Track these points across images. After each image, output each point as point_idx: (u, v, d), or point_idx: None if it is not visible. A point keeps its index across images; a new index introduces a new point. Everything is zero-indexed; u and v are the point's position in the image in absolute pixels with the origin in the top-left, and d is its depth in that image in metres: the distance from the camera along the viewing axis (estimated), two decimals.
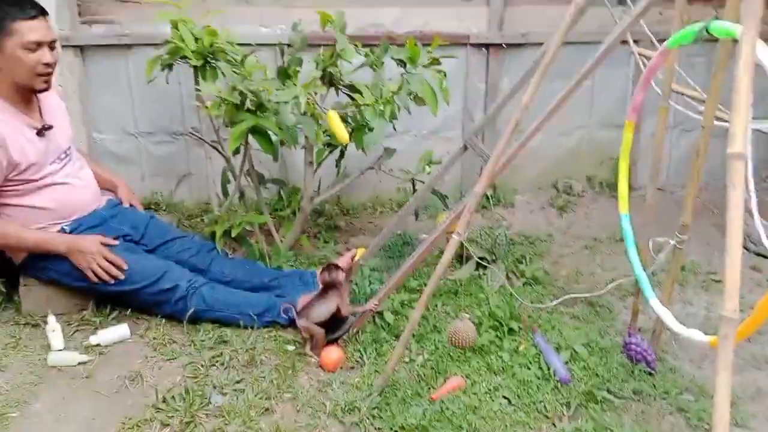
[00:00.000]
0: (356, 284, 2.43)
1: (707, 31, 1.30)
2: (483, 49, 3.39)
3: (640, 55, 2.51)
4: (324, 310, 2.11)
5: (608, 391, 1.87)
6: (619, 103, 3.57)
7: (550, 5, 3.33)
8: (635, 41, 2.63)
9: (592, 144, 3.70)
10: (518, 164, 3.49)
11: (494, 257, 2.69)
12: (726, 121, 1.93)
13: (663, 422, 1.79)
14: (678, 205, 3.54)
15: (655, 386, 1.91)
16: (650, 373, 1.97)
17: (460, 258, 2.75)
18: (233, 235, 2.58)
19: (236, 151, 2.48)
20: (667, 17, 3.38)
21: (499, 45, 3.37)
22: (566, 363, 1.98)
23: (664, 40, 1.71)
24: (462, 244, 2.71)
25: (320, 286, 2.23)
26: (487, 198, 3.54)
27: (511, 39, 3.36)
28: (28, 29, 2.07)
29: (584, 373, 1.94)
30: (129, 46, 3.15)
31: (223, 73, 2.51)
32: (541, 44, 3.30)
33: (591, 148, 3.70)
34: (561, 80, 1.96)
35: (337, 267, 2.18)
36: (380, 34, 2.96)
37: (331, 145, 2.77)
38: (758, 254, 2.87)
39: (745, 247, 2.97)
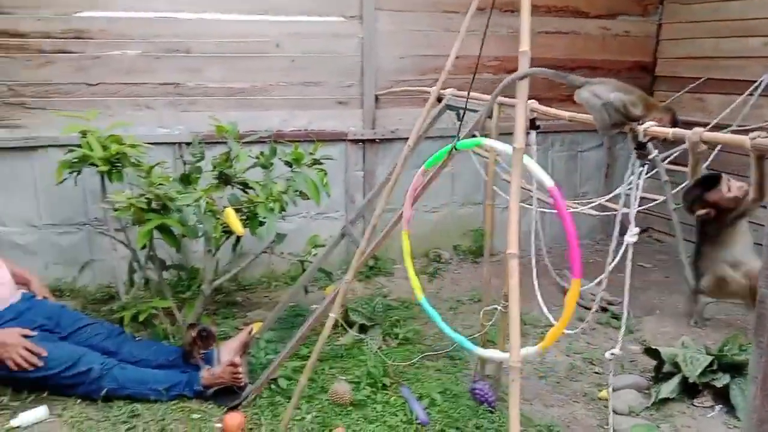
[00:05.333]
0: (254, 356, 2.81)
1: (456, 148, 1.88)
2: (359, 143, 3.97)
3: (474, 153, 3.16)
4: None
5: (457, 428, 2.37)
6: (474, 185, 4.25)
7: (413, 107, 4.00)
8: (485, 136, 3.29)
9: (455, 218, 4.34)
10: (396, 238, 4.07)
11: (373, 323, 3.17)
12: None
13: None
14: (526, 267, 4.24)
15: (493, 422, 2.43)
16: (491, 411, 2.50)
17: (348, 324, 3.19)
18: (140, 319, 2.89)
19: (143, 246, 2.83)
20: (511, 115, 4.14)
21: (373, 140, 3.98)
22: (426, 408, 2.46)
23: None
24: (347, 315, 3.19)
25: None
26: (371, 268, 4.06)
27: (382, 135, 3.98)
28: None
29: (440, 416, 2.43)
30: (34, 148, 3.44)
31: (127, 174, 2.89)
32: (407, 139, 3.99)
33: (455, 221, 4.35)
34: None
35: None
36: (270, 135, 3.44)
37: (228, 231, 3.17)
38: (585, 307, 3.53)
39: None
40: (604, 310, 3.47)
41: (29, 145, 3.42)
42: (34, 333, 2.55)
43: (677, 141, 1.71)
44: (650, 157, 2.47)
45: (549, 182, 1.79)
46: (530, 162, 1.82)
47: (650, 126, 1.63)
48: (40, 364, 2.47)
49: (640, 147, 1.87)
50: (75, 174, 3.00)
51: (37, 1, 3.33)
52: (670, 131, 1.56)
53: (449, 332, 1.98)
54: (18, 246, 3.54)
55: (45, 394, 2.57)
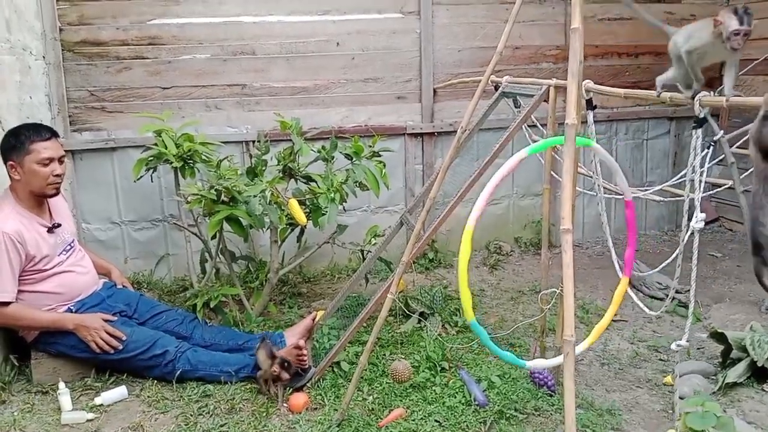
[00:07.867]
0: (317, 341, 2.91)
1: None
2: (418, 137, 4.03)
3: (533, 139, 3.15)
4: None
5: (515, 409, 2.38)
6: (536, 175, 4.22)
7: (471, 99, 4.01)
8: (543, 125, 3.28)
9: (517, 210, 4.33)
10: (456, 231, 4.11)
11: (432, 311, 3.21)
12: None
13: (557, 430, 2.29)
14: (591, 258, 4.18)
15: (552, 404, 2.43)
16: (551, 395, 2.49)
17: (408, 314, 3.24)
18: (211, 306, 3.05)
19: (213, 236, 2.98)
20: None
21: (432, 133, 4.03)
22: (485, 391, 2.48)
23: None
24: (407, 303, 3.24)
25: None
26: (431, 260, 4.11)
27: (440, 128, 4.02)
28: (43, 148, 2.59)
29: (498, 398, 2.45)
30: (114, 149, 3.68)
31: (198, 170, 3.06)
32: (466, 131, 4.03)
33: (516, 213, 4.33)
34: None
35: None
36: (331, 130, 3.55)
37: (293, 224, 3.30)
38: (651, 296, 3.45)
39: (639, 290, 3.56)
40: (671, 298, 3.38)
41: (109, 146, 3.67)
42: (115, 318, 2.74)
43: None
44: (716, 138, 2.42)
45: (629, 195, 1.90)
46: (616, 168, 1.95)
47: (704, 95, 1.61)
48: (120, 346, 2.65)
49: (699, 124, 1.85)
50: (151, 171, 3.20)
51: (115, 10, 3.58)
52: (723, 99, 1.53)
53: (499, 351, 2.04)
54: (100, 242, 3.79)
55: (124, 376, 2.75)
